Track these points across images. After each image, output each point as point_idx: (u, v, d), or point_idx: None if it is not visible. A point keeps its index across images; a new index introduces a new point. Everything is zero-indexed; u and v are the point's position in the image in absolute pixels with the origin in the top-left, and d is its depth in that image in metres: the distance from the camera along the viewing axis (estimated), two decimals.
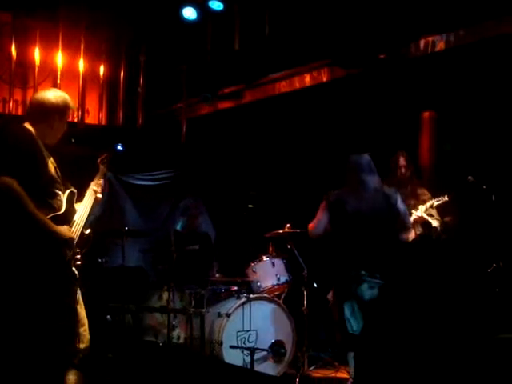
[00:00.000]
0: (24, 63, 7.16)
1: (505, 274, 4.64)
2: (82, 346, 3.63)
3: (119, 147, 4.55)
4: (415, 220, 5.31)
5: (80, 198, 3.85)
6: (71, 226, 3.63)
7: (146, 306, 5.60)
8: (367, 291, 4.54)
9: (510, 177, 5.35)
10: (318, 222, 4.84)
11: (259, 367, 5.34)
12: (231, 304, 5.46)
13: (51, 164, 3.65)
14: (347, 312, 4.62)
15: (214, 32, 7.03)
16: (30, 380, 3.41)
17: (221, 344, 5.27)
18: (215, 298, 5.76)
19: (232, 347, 5.30)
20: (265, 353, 5.46)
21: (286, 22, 6.40)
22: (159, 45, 7.62)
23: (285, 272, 5.85)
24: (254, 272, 5.81)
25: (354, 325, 4.58)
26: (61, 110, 3.71)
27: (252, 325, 5.45)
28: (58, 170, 3.70)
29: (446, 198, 5.26)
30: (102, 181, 4.06)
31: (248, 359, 5.22)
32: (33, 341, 3.41)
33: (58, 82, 7.21)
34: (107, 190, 6.62)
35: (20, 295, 3.41)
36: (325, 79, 6.36)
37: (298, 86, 6.62)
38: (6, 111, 7.11)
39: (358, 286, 4.55)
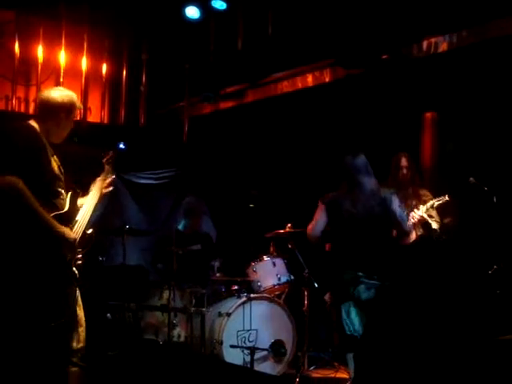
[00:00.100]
0: (27, 61, 7.19)
1: (505, 275, 4.63)
2: (78, 345, 3.63)
3: (121, 146, 4.54)
4: (416, 220, 5.30)
5: (83, 196, 3.85)
6: (73, 225, 3.63)
7: (147, 304, 5.60)
8: (364, 292, 4.53)
9: None
10: (316, 225, 4.79)
11: (259, 367, 5.34)
12: (232, 303, 5.47)
13: (55, 162, 3.65)
14: (344, 313, 4.62)
15: (217, 31, 7.04)
16: (28, 378, 3.41)
17: (221, 343, 5.28)
18: (216, 298, 5.77)
19: (232, 346, 5.30)
20: (265, 352, 5.46)
21: (288, 22, 6.41)
22: (162, 44, 7.64)
23: (285, 272, 5.85)
24: (254, 272, 5.81)
25: (352, 326, 4.58)
26: (67, 108, 3.70)
27: (252, 324, 5.45)
28: (61, 169, 3.70)
29: (447, 198, 5.24)
30: (109, 179, 4.06)
31: (248, 359, 5.21)
32: (31, 339, 3.41)
33: (61, 79, 7.24)
34: None
35: (19, 293, 3.41)
36: (327, 79, 6.36)
37: (300, 85, 6.62)
38: (9, 108, 7.13)
39: (356, 288, 4.55)
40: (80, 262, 3.60)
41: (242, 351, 5.32)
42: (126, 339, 5.45)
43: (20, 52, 7.06)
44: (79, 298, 3.66)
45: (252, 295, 5.54)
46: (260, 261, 5.87)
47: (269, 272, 5.82)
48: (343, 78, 6.20)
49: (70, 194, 3.66)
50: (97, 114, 7.73)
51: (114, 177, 4.11)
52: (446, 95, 5.83)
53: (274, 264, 5.84)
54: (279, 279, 5.80)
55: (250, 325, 5.44)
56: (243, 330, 5.42)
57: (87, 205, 3.79)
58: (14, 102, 7.14)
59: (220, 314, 5.40)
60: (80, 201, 3.78)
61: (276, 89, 6.84)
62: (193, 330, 5.40)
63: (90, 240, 3.73)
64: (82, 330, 3.65)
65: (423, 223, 5.27)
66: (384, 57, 5.74)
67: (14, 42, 7.03)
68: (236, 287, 5.78)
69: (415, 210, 5.28)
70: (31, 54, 7.17)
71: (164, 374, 4.57)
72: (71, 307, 3.56)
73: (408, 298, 4.15)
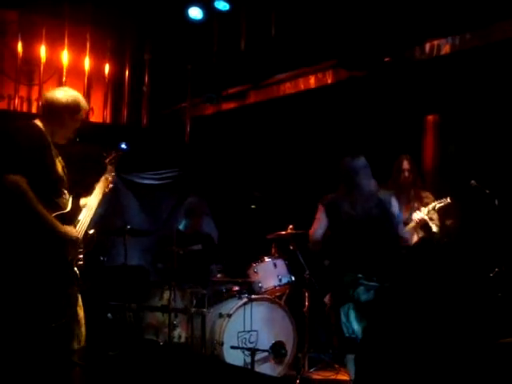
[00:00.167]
0: (30, 60, 7.20)
1: (507, 278, 4.63)
2: (79, 346, 3.62)
3: (123, 146, 4.54)
4: (417, 221, 5.30)
5: (85, 196, 3.86)
6: (75, 226, 3.62)
7: (148, 304, 5.60)
8: (364, 294, 4.53)
9: None
10: (317, 228, 4.76)
11: (260, 368, 5.34)
12: (232, 304, 5.47)
13: (59, 163, 3.65)
14: (343, 316, 4.61)
15: (220, 32, 7.05)
16: (30, 379, 3.41)
17: (221, 344, 5.28)
18: (216, 298, 5.76)
19: (233, 347, 5.30)
20: (265, 354, 5.45)
21: (291, 24, 6.41)
22: (164, 44, 7.64)
23: (286, 273, 5.85)
24: (255, 273, 5.81)
25: (351, 328, 4.58)
26: (71, 109, 3.68)
27: (253, 325, 5.45)
28: (65, 170, 3.70)
29: (449, 200, 5.24)
30: (111, 179, 4.05)
31: (249, 360, 5.21)
32: (32, 339, 3.41)
33: (64, 79, 7.24)
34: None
35: (20, 293, 3.41)
36: (329, 81, 6.36)
37: (302, 87, 6.62)
38: (12, 108, 7.15)
39: (355, 289, 4.54)
40: (81, 262, 3.60)
41: (243, 352, 5.32)
42: (127, 339, 5.45)
43: (23, 52, 7.07)
44: (80, 298, 3.66)
45: (253, 296, 5.54)
46: (261, 262, 5.87)
47: (270, 273, 5.82)
48: (345, 80, 6.20)
49: (72, 194, 3.66)
50: (99, 114, 7.74)
51: (113, 175, 4.11)
52: (448, 98, 5.83)
53: (275, 265, 5.84)
54: (280, 280, 5.80)
55: (250, 326, 5.44)
56: (244, 331, 5.42)
57: (90, 204, 3.79)
58: (16, 101, 7.16)
59: (221, 315, 5.40)
60: (82, 201, 3.78)
61: (278, 90, 6.85)
62: (193, 330, 5.40)
63: (92, 240, 3.73)
64: (82, 330, 3.65)
65: (423, 225, 5.27)
66: (386, 59, 5.73)
67: (17, 41, 7.04)
68: (237, 288, 5.77)
69: (417, 212, 5.29)
70: (34, 53, 7.18)
71: (164, 374, 4.57)
72: (72, 307, 3.56)
73: (408, 300, 4.15)
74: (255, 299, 5.53)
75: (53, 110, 3.66)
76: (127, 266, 5.71)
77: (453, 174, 5.83)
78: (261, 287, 5.75)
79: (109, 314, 5.64)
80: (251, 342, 5.42)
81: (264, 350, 5.41)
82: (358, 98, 6.25)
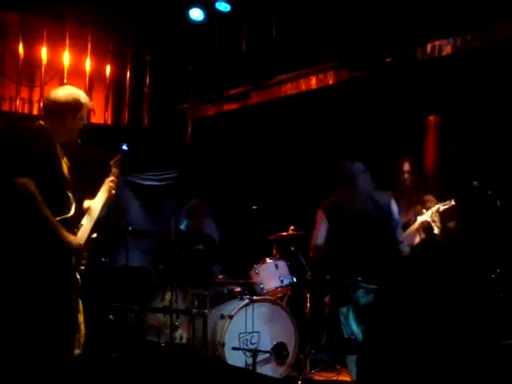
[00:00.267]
0: (31, 62, 7.21)
1: (509, 279, 4.62)
2: (77, 351, 3.59)
3: (124, 147, 4.54)
4: (420, 223, 5.30)
5: (89, 198, 3.84)
6: (78, 229, 3.59)
7: (149, 306, 5.60)
8: (363, 297, 4.53)
9: None
10: (319, 232, 4.71)
11: (261, 369, 5.33)
12: (234, 305, 5.46)
13: (64, 164, 3.61)
14: (343, 317, 4.61)
15: (221, 33, 7.05)
16: (29, 382, 3.40)
17: (223, 345, 5.27)
18: (218, 299, 5.76)
19: (234, 349, 5.29)
20: (267, 355, 5.45)
21: (293, 24, 6.41)
22: (166, 45, 7.65)
23: (288, 274, 5.85)
24: (257, 274, 5.81)
25: (350, 329, 4.57)
26: (72, 108, 3.64)
27: (254, 327, 5.45)
28: (70, 171, 3.66)
29: (453, 203, 5.24)
30: (116, 181, 4.01)
31: (250, 361, 5.21)
32: (31, 343, 3.38)
33: (65, 81, 7.25)
34: None
35: (21, 298, 3.39)
36: (331, 82, 6.36)
37: (303, 88, 6.62)
38: (13, 109, 7.15)
39: (355, 292, 4.54)
40: (83, 267, 3.56)
41: (244, 353, 5.32)
42: (129, 341, 5.45)
43: (24, 53, 7.08)
44: (80, 304, 3.63)
45: (254, 297, 5.54)
46: (262, 263, 5.87)
47: (271, 274, 5.82)
48: (347, 81, 6.20)
49: (76, 196, 3.64)
50: (100, 116, 7.74)
51: (118, 177, 4.08)
52: (449, 98, 5.82)
53: (277, 266, 5.84)
54: (282, 281, 5.80)
55: (252, 327, 5.43)
56: (245, 333, 5.41)
57: (93, 208, 3.74)
58: (17, 102, 7.17)
59: (222, 316, 5.40)
60: (86, 203, 3.76)
61: (280, 91, 6.85)
62: (195, 331, 5.40)
63: (94, 245, 3.70)
64: (82, 335, 3.62)
65: (426, 227, 5.27)
66: (388, 59, 5.74)
67: (18, 43, 7.05)
68: (238, 289, 5.77)
69: (421, 215, 5.29)
70: (35, 55, 7.19)
71: (166, 375, 4.58)
72: (74, 312, 3.54)
73: (410, 303, 4.14)
74: (257, 300, 5.52)
75: (54, 110, 3.62)
76: (129, 267, 5.71)
77: (455, 175, 5.82)
78: (262, 288, 5.75)
79: (110, 316, 5.64)
80: (253, 343, 5.42)
81: (265, 352, 5.41)
82: (359, 98, 6.25)
